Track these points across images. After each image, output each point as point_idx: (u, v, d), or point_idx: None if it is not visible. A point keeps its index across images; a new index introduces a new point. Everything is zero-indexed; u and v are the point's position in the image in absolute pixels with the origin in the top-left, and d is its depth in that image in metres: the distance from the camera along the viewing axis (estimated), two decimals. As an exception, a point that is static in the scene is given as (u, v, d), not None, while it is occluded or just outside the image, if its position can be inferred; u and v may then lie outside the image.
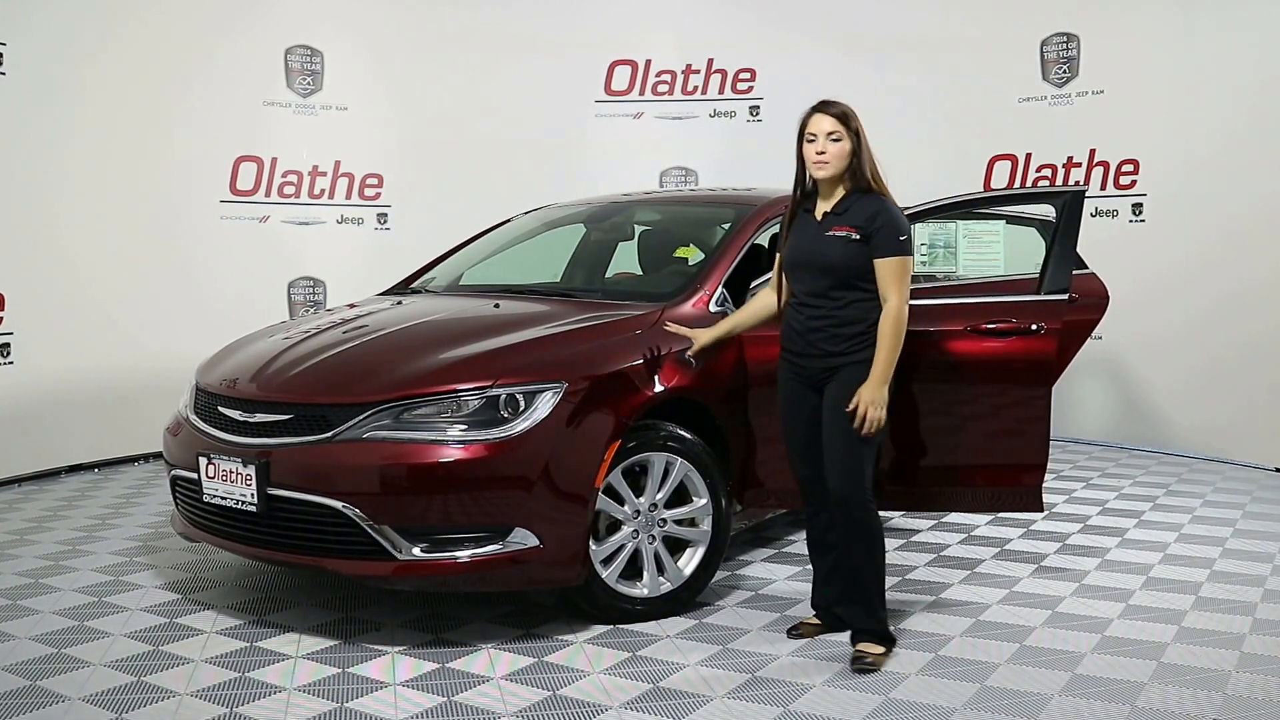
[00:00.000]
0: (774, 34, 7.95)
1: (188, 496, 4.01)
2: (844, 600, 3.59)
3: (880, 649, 3.48)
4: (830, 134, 3.44)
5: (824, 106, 3.49)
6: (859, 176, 3.46)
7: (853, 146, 3.45)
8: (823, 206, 3.53)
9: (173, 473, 4.10)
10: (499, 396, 3.57)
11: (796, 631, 3.70)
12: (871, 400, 3.37)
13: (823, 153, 3.45)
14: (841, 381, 3.45)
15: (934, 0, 7.66)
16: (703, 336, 3.87)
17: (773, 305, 3.73)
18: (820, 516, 3.66)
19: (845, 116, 3.46)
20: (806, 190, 3.59)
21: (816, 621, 3.72)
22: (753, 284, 4.18)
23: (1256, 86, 6.42)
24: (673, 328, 3.92)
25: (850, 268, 3.44)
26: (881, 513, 5.07)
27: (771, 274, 3.82)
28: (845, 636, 3.63)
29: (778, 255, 3.69)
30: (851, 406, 3.38)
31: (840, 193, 3.50)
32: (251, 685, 3.29)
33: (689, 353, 3.87)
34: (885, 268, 3.41)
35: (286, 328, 4.53)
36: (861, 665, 3.41)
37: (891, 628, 3.67)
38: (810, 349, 3.50)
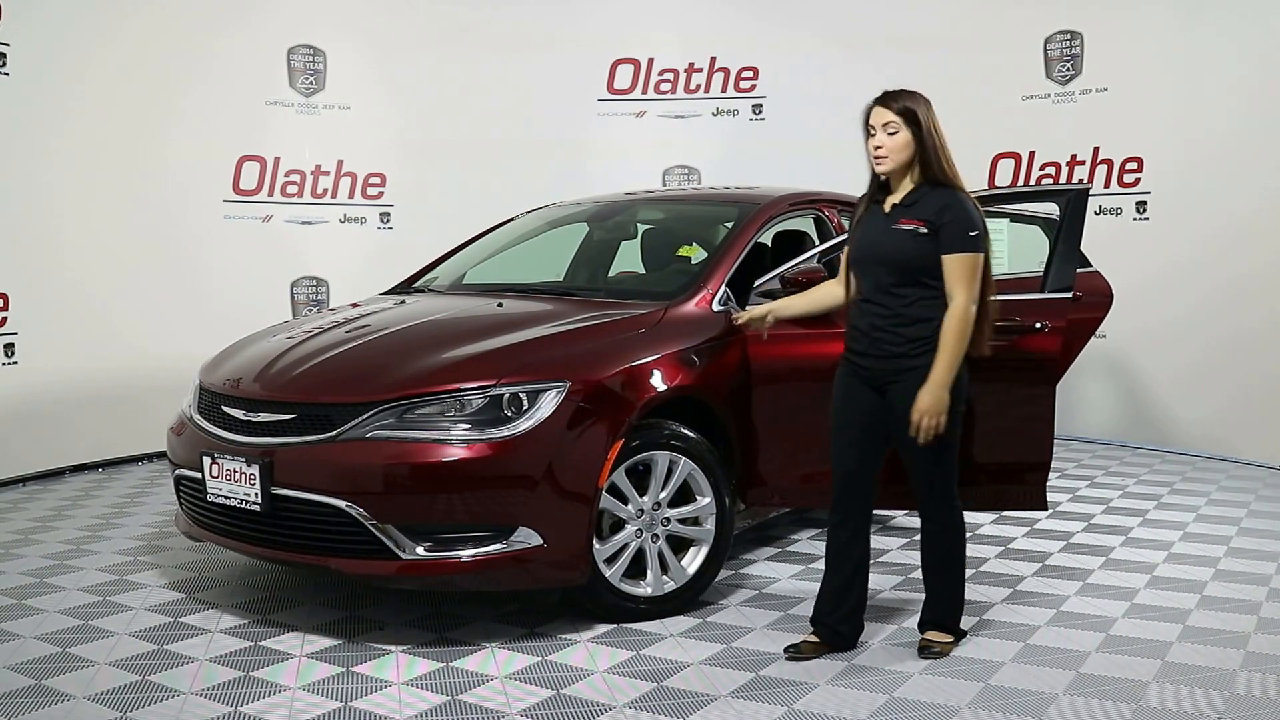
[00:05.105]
0: (777, 32, 7.93)
1: (192, 496, 4.01)
2: (926, 593, 3.55)
3: (949, 638, 3.49)
4: (887, 125, 3.30)
5: (883, 98, 3.34)
6: (928, 168, 3.29)
7: (914, 137, 3.29)
8: (892, 199, 3.38)
9: (177, 472, 4.11)
10: (502, 395, 3.56)
11: (796, 650, 3.47)
12: (928, 407, 3.21)
13: (880, 147, 3.32)
14: (909, 390, 3.27)
15: (937, -2, 7.67)
16: (775, 308, 3.82)
17: (839, 296, 3.62)
18: (847, 524, 3.46)
19: (904, 109, 3.30)
20: (881, 183, 3.41)
21: (817, 640, 3.50)
22: (755, 283, 4.18)
23: (1259, 83, 6.41)
24: (748, 314, 3.93)
25: (916, 263, 3.27)
26: (884, 511, 5.10)
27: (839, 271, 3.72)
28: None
29: (845, 249, 3.58)
30: (914, 419, 3.23)
31: (909, 185, 3.34)
32: (255, 684, 3.29)
33: (768, 320, 3.83)
34: (953, 264, 3.25)
35: (290, 327, 4.53)
36: (929, 654, 3.43)
37: (895, 626, 3.67)
38: (873, 349, 3.35)
